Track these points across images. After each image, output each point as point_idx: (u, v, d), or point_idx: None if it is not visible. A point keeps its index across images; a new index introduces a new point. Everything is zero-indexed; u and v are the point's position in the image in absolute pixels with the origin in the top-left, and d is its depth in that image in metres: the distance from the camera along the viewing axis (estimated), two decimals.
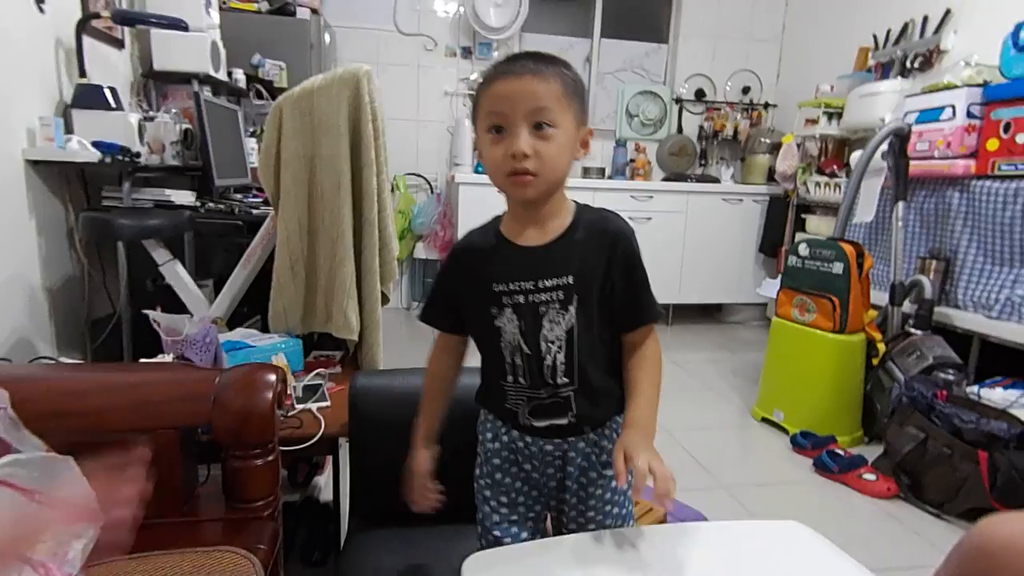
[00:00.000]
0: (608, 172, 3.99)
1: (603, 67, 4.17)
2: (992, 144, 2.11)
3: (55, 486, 0.72)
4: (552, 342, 0.82)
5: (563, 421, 0.86)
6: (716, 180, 3.96)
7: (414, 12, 3.76)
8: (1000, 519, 0.73)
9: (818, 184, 3.27)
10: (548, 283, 0.81)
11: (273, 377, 1.03)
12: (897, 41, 3.11)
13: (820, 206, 3.30)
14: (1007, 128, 2.07)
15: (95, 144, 1.91)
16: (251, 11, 2.96)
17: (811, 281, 2.31)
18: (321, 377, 1.48)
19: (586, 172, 3.88)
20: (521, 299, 0.82)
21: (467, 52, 3.85)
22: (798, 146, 3.45)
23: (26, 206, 1.86)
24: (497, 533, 0.91)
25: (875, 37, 3.25)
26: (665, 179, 3.99)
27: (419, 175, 3.75)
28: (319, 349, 1.68)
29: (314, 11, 3.10)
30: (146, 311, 1.48)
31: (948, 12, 2.87)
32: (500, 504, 0.92)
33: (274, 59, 2.90)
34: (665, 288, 3.78)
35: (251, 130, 2.73)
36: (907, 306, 2.29)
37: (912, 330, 2.22)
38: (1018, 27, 2.17)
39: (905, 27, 3.08)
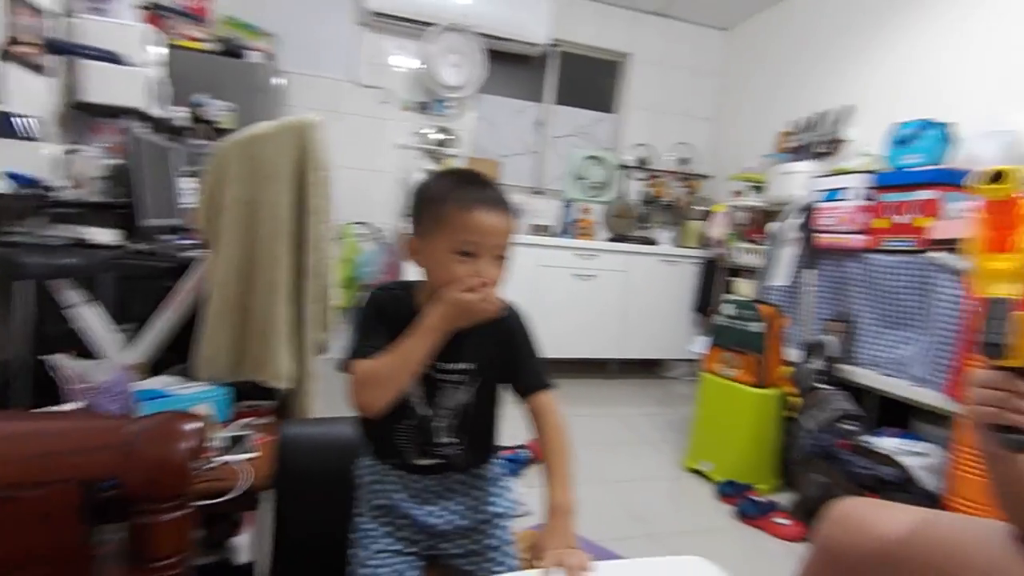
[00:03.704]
0: (555, 230, 4.18)
1: (555, 131, 4.44)
2: (880, 223, 2.38)
3: None
4: (445, 410, 0.96)
5: (445, 461, 0.97)
6: (655, 242, 4.19)
7: (372, 65, 3.90)
8: (844, 502, 0.91)
9: (744, 250, 3.54)
10: (451, 367, 0.94)
11: (190, 426, 0.96)
12: (809, 129, 3.47)
13: (746, 270, 3.55)
14: (892, 210, 2.35)
15: (8, 175, 1.80)
16: (198, 50, 2.95)
17: (735, 339, 2.49)
18: (249, 427, 1.42)
19: (534, 229, 4.06)
20: (425, 371, 0.92)
21: (423, 107, 4.01)
22: (727, 215, 3.73)
23: None
24: (374, 562, 0.94)
25: (791, 124, 3.62)
26: (609, 239, 4.18)
27: (367, 224, 3.82)
28: (250, 398, 1.58)
29: (267, 56, 3.16)
30: (46, 356, 1.36)
31: (848, 108, 3.27)
32: (379, 551, 0.95)
33: (223, 100, 2.86)
34: (608, 344, 3.94)
35: (188, 170, 2.59)
36: (816, 363, 2.49)
37: (820, 385, 2.41)
38: (897, 126, 2.52)
39: (816, 117, 3.45)
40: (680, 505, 2.34)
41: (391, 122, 3.99)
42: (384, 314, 0.94)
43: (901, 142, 2.50)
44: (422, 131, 4.04)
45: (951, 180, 2.19)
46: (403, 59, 3.96)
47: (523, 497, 2.13)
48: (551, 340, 4.14)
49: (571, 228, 4.22)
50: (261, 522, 1.31)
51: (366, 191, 3.92)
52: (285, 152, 1.48)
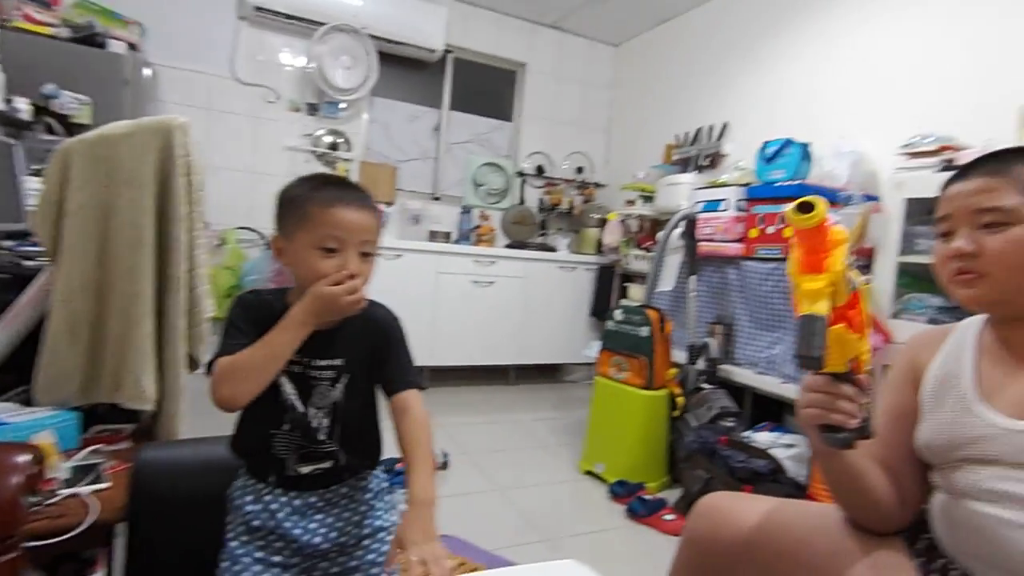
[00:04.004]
0: (454, 237, 4.16)
1: (451, 137, 4.41)
2: (753, 232, 2.56)
3: None
4: (320, 408, 0.96)
5: (328, 465, 0.97)
6: (553, 249, 4.27)
7: (255, 62, 3.68)
8: (708, 497, 1.00)
9: (636, 256, 3.68)
10: (322, 363, 0.95)
11: (21, 458, 0.89)
12: (693, 142, 3.68)
13: (639, 276, 3.69)
14: (762, 220, 2.53)
15: None
16: (44, 35, 2.64)
17: (624, 343, 2.58)
18: (99, 455, 1.31)
19: (433, 236, 4.01)
20: (297, 370, 0.94)
21: (313, 108, 3.85)
22: (621, 223, 3.86)
23: None
24: None
25: (677, 137, 3.83)
26: (508, 246, 4.22)
27: (253, 230, 3.61)
28: (105, 422, 1.49)
29: (132, 46, 2.91)
30: None
31: (726, 124, 3.50)
32: (255, 561, 0.92)
33: (77, 92, 2.59)
34: (506, 350, 3.96)
35: (36, 168, 2.31)
36: (701, 364, 2.62)
37: (703, 385, 2.54)
38: (764, 144, 2.73)
39: (698, 132, 3.66)
40: (575, 508, 2.38)
41: (279, 123, 3.79)
42: (252, 316, 0.94)
43: (768, 158, 2.70)
44: (312, 134, 3.88)
45: (808, 194, 2.39)
46: (290, 57, 3.78)
47: None
48: (450, 347, 4.12)
49: (470, 235, 4.21)
50: (117, 558, 1.20)
51: (252, 195, 3.70)
52: (146, 155, 1.38)
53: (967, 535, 0.78)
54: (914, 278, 2.09)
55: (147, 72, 3.12)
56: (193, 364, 1.52)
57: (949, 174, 0.88)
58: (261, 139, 3.76)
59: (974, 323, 0.90)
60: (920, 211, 2.11)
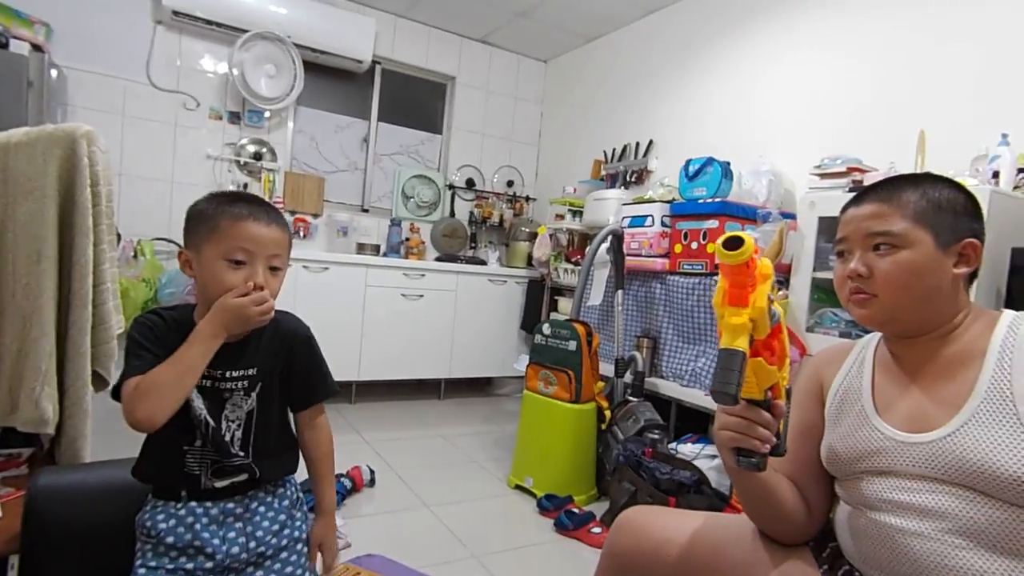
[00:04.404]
0: (383, 249, 4.09)
1: (380, 149, 4.35)
2: (677, 248, 2.67)
3: None
4: (232, 421, 0.98)
5: (243, 478, 0.99)
6: (484, 262, 4.28)
7: (172, 68, 3.51)
8: (628, 511, 1.03)
9: (566, 270, 3.75)
10: (235, 374, 0.97)
11: None
12: (620, 158, 3.80)
13: (568, 289, 3.76)
14: (686, 236, 2.64)
15: None
16: None
17: (552, 357, 2.60)
18: None
19: (361, 248, 3.93)
20: (208, 384, 0.96)
21: (236, 117, 3.70)
22: (551, 236, 3.92)
23: None
24: None
25: (605, 153, 3.94)
26: (438, 259, 4.19)
27: (171, 241, 3.42)
28: (5, 446, 1.40)
29: (36, 47, 2.73)
30: None
31: (651, 142, 3.64)
32: None
33: None
34: (436, 364, 3.92)
35: None
36: (628, 377, 2.69)
37: (630, 398, 2.61)
38: (687, 162, 2.86)
39: (625, 148, 3.79)
40: (504, 523, 2.37)
41: (200, 131, 3.63)
42: (157, 334, 0.95)
43: (691, 176, 2.83)
44: (236, 143, 3.72)
45: (730, 212, 2.52)
46: (211, 64, 3.63)
47: (343, 529, 2.02)
48: (378, 361, 4.04)
49: (399, 247, 4.16)
50: None
51: (170, 205, 3.52)
52: (47, 164, 1.30)
53: (868, 543, 0.83)
54: (827, 293, 2.21)
55: (54, 74, 2.93)
56: (102, 383, 1.44)
57: (855, 195, 0.94)
58: (181, 147, 3.58)
59: (873, 339, 0.96)
60: (832, 229, 2.24)
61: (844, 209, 0.93)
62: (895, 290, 0.83)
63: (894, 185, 0.88)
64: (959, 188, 0.87)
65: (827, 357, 1.01)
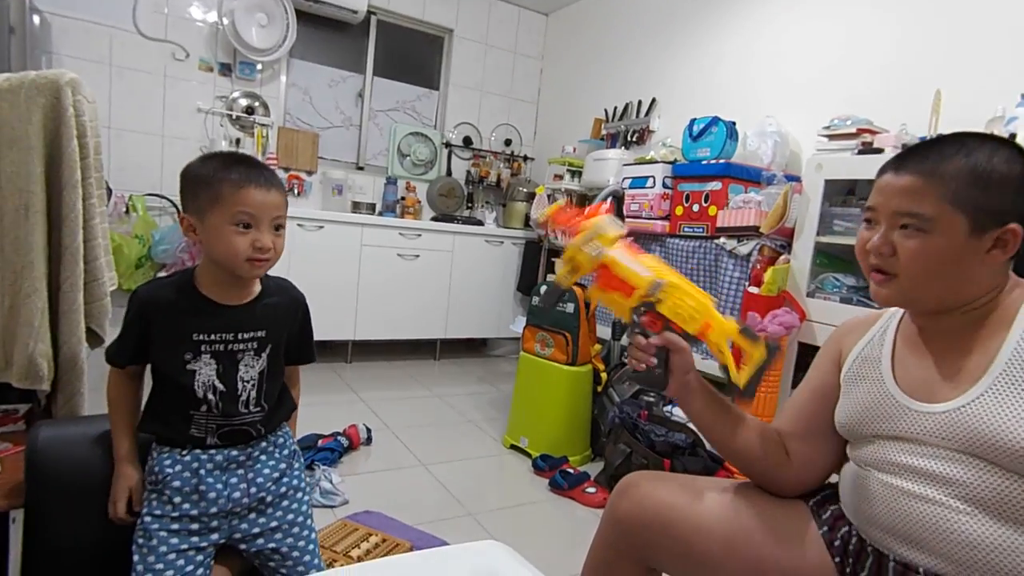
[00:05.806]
0: (379, 208, 4.04)
1: (376, 104, 4.25)
2: (679, 210, 2.63)
3: None
4: (248, 381, 1.04)
5: (250, 433, 1.06)
6: (481, 223, 4.23)
7: (160, 15, 3.37)
8: (629, 477, 1.05)
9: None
10: (247, 335, 1.04)
11: None
12: (621, 117, 3.72)
13: None
14: (687, 198, 2.61)
15: None
16: None
17: (549, 319, 2.60)
18: None
19: (356, 207, 3.88)
20: (221, 347, 1.02)
21: (227, 69, 3.59)
22: (548, 197, 3.87)
23: None
24: (160, 566, 0.96)
25: (606, 111, 3.85)
26: (434, 219, 4.14)
27: (163, 196, 3.35)
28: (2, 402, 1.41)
29: None
30: None
31: (654, 100, 3.55)
32: (166, 553, 0.96)
33: None
34: (432, 324, 3.91)
35: None
36: (624, 340, 2.70)
37: (626, 360, 2.61)
38: (691, 121, 2.79)
39: (627, 106, 3.70)
40: (498, 482, 2.41)
41: (190, 83, 3.52)
42: (146, 312, 1.00)
43: (695, 136, 2.77)
44: (227, 96, 3.62)
45: (734, 174, 2.48)
46: (200, 12, 3.49)
47: (340, 486, 2.04)
48: (374, 321, 4.04)
49: (395, 206, 4.10)
50: (12, 549, 1.13)
51: (162, 159, 3.44)
52: (31, 114, 1.25)
53: (872, 504, 0.84)
54: (830, 258, 2.19)
55: (37, 20, 2.81)
56: (96, 339, 1.42)
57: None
58: (171, 100, 3.48)
59: (899, 312, 0.95)
60: (838, 192, 2.20)
61: (881, 172, 0.84)
62: (916, 274, 0.79)
63: (942, 153, 0.78)
64: (1021, 160, 0.77)
65: (850, 326, 1.01)
